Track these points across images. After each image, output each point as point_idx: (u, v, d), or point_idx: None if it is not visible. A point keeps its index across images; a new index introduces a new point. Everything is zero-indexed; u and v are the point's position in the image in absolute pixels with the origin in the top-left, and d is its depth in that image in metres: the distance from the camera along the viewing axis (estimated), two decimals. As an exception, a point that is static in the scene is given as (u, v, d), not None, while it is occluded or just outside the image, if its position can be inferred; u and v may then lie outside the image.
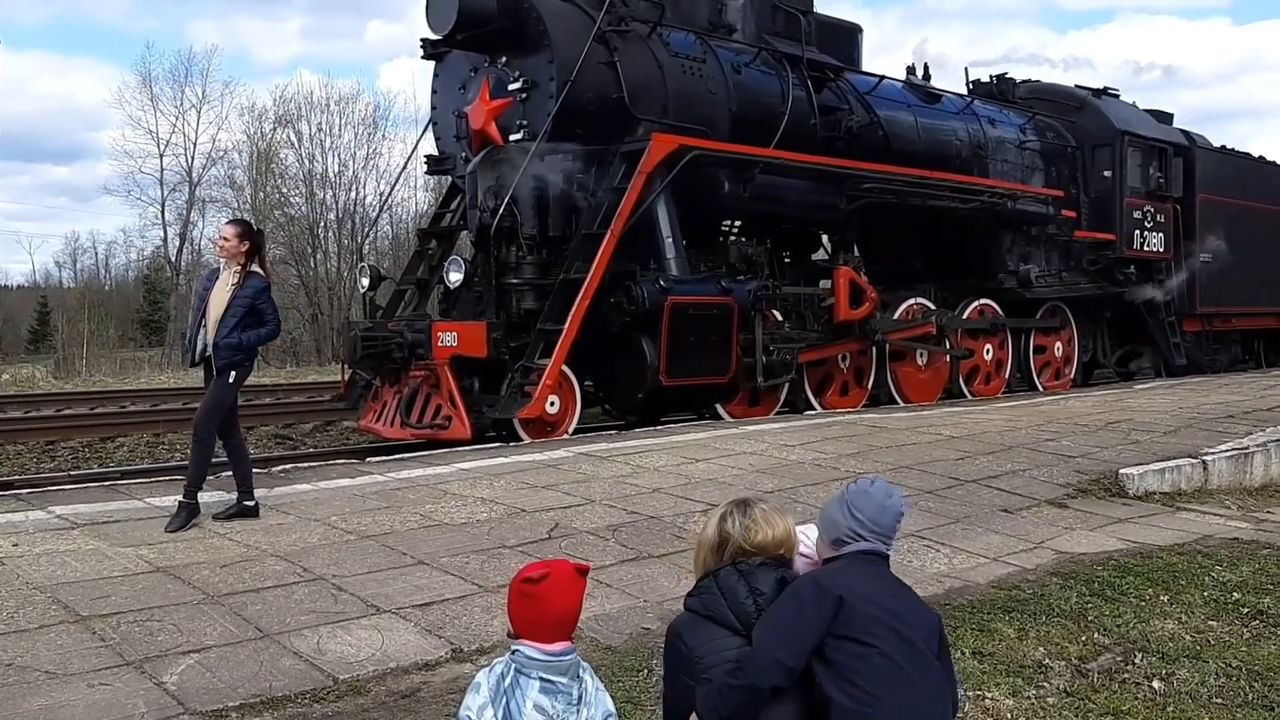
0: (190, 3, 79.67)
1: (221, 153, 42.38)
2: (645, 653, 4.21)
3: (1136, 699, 3.96)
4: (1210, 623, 4.83)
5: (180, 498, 6.00)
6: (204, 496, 6.13)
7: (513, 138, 10.34)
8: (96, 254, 55.37)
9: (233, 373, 6.10)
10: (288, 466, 8.05)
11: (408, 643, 4.29)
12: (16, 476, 9.47)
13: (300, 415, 13.93)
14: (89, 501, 6.45)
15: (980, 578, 5.50)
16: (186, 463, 6.75)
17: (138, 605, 4.51)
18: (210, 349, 6.07)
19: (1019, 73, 17.02)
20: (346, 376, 11.19)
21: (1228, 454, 8.54)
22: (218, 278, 6.21)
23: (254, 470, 6.46)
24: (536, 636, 2.48)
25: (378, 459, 8.41)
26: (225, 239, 6.20)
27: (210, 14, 79.61)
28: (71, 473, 9.76)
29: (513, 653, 2.50)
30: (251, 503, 6.14)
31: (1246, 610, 5.00)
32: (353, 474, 7.55)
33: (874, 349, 12.88)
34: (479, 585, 4.96)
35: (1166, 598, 5.17)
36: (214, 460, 6.33)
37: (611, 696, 2.63)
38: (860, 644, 2.57)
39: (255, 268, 6.19)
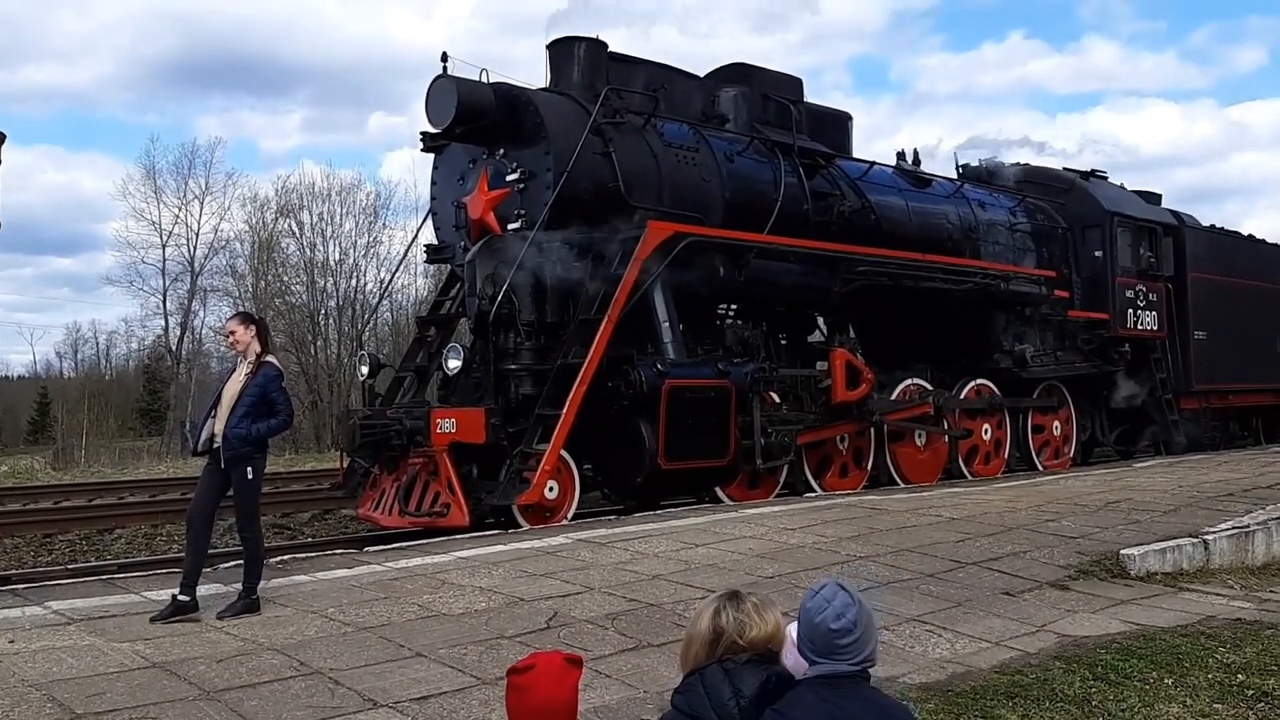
0: (195, 99, 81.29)
1: (224, 242, 42.96)
2: (645, 745, 4.16)
3: (1143, 787, 3.92)
4: (1215, 706, 4.78)
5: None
6: (201, 590, 6.10)
7: (510, 227, 10.53)
8: (98, 344, 55.57)
9: (249, 469, 6.12)
10: (285, 557, 8.01)
11: (405, 737, 4.25)
12: (14, 571, 9.42)
13: (298, 504, 13.89)
14: (86, 596, 6.42)
15: (983, 663, 5.45)
16: (184, 554, 6.73)
17: (133, 702, 4.47)
18: (219, 440, 6.10)
19: (1021, 156, 17.40)
20: (345, 464, 11.20)
21: (1228, 533, 8.50)
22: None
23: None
24: (531, 733, 2.47)
25: (376, 548, 8.37)
26: (233, 332, 6.31)
27: (214, 108, 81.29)
28: (69, 566, 9.72)
29: (509, 749, 2.49)
30: (254, 597, 6.12)
31: (1251, 692, 4.95)
32: (351, 564, 7.52)
33: (872, 430, 12.92)
34: (477, 677, 4.92)
35: (1171, 680, 5.12)
36: (214, 551, 6.33)
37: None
38: None
39: (269, 358, 6.28)
